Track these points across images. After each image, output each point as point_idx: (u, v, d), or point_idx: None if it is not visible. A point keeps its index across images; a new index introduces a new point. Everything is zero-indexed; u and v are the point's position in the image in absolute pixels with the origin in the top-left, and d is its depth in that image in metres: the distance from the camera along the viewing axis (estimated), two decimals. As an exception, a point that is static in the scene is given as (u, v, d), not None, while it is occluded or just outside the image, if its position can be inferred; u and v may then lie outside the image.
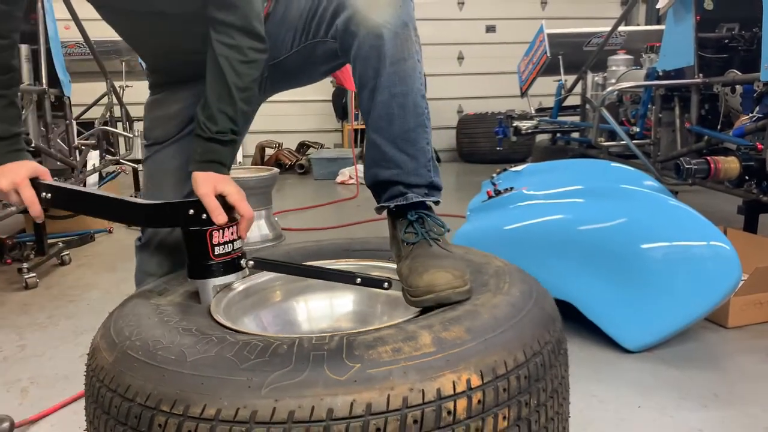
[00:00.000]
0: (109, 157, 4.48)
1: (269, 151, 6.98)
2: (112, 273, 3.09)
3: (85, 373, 0.96)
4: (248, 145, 7.30)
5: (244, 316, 1.15)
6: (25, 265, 2.87)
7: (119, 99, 4.82)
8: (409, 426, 0.73)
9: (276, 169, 3.62)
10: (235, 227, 1.08)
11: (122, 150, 4.93)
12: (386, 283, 1.08)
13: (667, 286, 1.92)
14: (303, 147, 7.16)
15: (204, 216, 1.05)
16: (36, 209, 1.13)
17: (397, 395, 0.73)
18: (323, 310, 1.26)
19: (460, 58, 7.87)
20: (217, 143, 1.15)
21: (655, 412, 1.57)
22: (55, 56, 3.27)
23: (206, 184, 1.09)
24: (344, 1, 1.10)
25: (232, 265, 1.08)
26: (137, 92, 5.02)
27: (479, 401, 0.76)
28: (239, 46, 1.13)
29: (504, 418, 0.78)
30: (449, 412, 0.74)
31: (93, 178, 4.17)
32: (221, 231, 1.06)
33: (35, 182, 1.15)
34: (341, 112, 7.21)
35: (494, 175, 2.92)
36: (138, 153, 5.08)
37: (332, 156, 6.32)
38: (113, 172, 5.24)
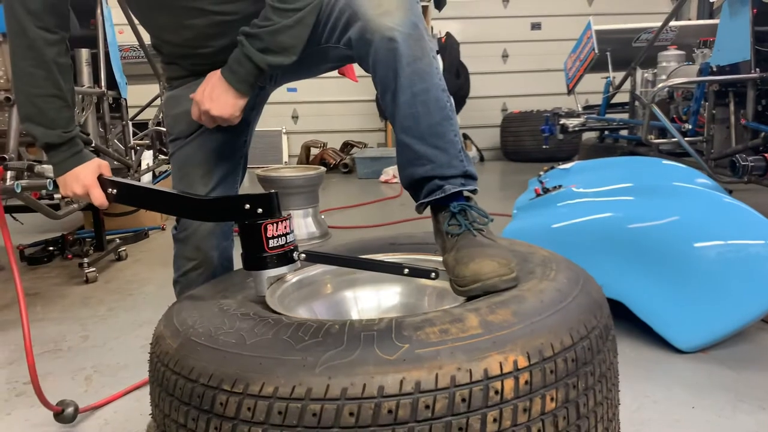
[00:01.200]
0: (162, 156, 4.64)
1: (314, 151, 7.08)
2: (166, 268, 3.18)
3: (149, 360, 1.02)
4: (294, 144, 7.42)
5: (297, 307, 1.19)
6: (85, 260, 3.01)
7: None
8: (458, 404, 0.75)
9: (322, 168, 3.68)
10: (288, 222, 1.11)
11: (174, 150, 5.08)
12: (433, 273, 1.10)
13: (722, 285, 1.87)
14: (347, 146, 7.23)
15: (259, 210, 1.08)
16: (104, 205, 1.24)
17: (445, 374, 0.75)
18: (372, 301, 1.29)
19: (505, 55, 7.81)
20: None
21: (710, 414, 1.54)
22: (113, 60, 3.41)
23: None
24: (356, 11, 1.12)
25: (285, 257, 1.10)
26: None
27: (526, 382, 0.78)
28: None
29: (552, 399, 0.79)
30: (497, 392, 0.76)
31: (147, 177, 4.32)
32: (275, 225, 1.08)
33: (101, 179, 1.23)
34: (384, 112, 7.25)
35: (542, 173, 2.90)
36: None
37: (376, 155, 6.37)
38: (165, 171, 5.42)
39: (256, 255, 1.09)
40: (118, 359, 2.04)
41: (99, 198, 1.22)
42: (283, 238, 1.10)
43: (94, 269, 2.99)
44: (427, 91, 1.11)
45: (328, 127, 7.58)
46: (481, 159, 7.42)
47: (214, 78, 1.19)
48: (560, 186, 2.48)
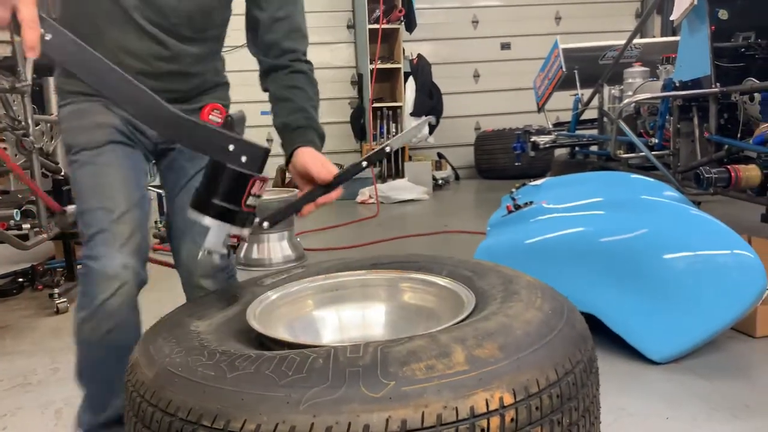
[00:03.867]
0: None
1: (289, 174, 7.05)
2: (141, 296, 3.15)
3: (124, 389, 0.99)
4: (269, 168, 7.38)
5: (278, 326, 1.16)
6: (56, 290, 2.94)
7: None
8: (444, 443, 0.75)
9: (297, 191, 3.67)
10: (264, 184, 1.06)
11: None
12: (387, 147, 1.19)
13: (692, 296, 1.92)
14: (322, 168, 7.23)
15: (243, 158, 0.99)
16: (34, 47, 0.89)
17: (431, 413, 0.75)
18: (356, 318, 1.27)
19: (476, 75, 7.92)
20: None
21: (685, 424, 1.57)
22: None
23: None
24: None
25: (250, 219, 1.05)
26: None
27: (512, 419, 0.78)
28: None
29: (537, 436, 0.80)
30: (483, 430, 0.76)
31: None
32: (262, 183, 1.03)
33: (40, 15, 0.91)
34: (360, 133, 7.28)
35: (514, 189, 2.94)
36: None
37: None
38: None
39: (227, 206, 1.00)
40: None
41: (32, 34, 0.88)
42: (256, 199, 1.04)
43: (65, 300, 2.93)
44: None
45: (302, 148, 7.57)
46: (456, 177, 7.49)
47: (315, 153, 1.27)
48: (531, 202, 2.52)
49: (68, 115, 1.33)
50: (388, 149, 1.19)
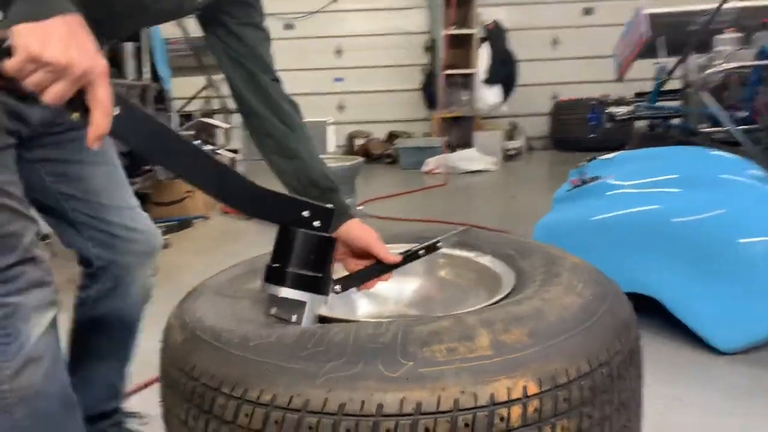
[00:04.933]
0: (207, 147, 4.72)
1: (358, 141, 7.08)
2: (205, 256, 3.27)
3: (161, 350, 1.00)
4: (340, 135, 7.44)
5: None
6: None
7: (218, 92, 5.06)
8: (460, 429, 0.72)
9: (360, 158, 3.68)
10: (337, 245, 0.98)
11: (220, 140, 5.18)
12: (439, 243, 1.10)
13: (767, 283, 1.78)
14: (392, 137, 7.20)
15: (316, 223, 0.91)
16: (105, 124, 0.72)
17: (448, 397, 0.72)
18: (391, 293, 1.24)
19: (555, 42, 7.59)
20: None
21: (748, 420, 1.46)
22: (156, 53, 3.48)
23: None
24: None
25: (331, 285, 0.97)
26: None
27: (536, 409, 0.74)
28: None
29: (563, 429, 0.75)
30: (502, 419, 0.73)
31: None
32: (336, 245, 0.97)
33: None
34: (430, 101, 7.18)
35: (582, 163, 2.81)
36: (235, 143, 5.34)
37: (419, 145, 6.32)
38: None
39: (316, 275, 0.91)
40: (153, 344, 2.08)
41: (104, 121, 0.72)
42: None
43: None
44: None
45: (374, 117, 7.55)
46: (530, 148, 7.26)
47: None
48: (597, 177, 2.39)
49: None
50: (439, 245, 1.12)
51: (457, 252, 1.22)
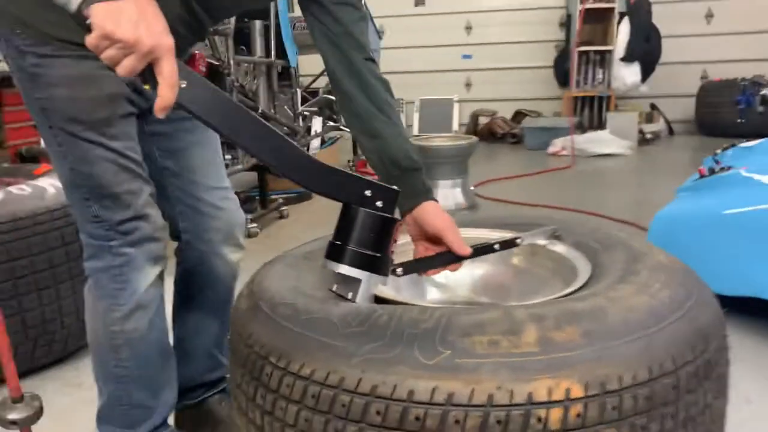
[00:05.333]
0: (330, 123, 4.86)
1: (483, 120, 6.93)
2: (321, 229, 3.38)
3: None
4: (466, 113, 7.34)
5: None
6: (249, 216, 3.28)
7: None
8: (492, 426, 0.68)
9: (474, 138, 3.60)
10: (401, 227, 0.99)
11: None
12: (519, 239, 1.08)
13: None
14: (519, 116, 6.97)
15: (378, 203, 0.92)
16: (170, 96, 0.78)
17: (483, 391, 0.69)
18: (464, 278, 1.21)
19: (709, 15, 6.88)
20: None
21: None
22: (283, 31, 3.61)
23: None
24: None
25: (391, 266, 0.98)
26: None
27: (578, 414, 0.69)
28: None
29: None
30: (539, 419, 0.68)
31: (315, 143, 4.57)
32: (400, 227, 0.96)
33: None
34: (562, 78, 6.84)
35: (718, 151, 2.54)
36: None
37: (546, 125, 6.06)
38: (333, 137, 5.68)
39: (376, 255, 0.91)
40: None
41: (170, 93, 0.78)
42: (394, 244, 0.97)
43: (255, 225, 3.25)
44: None
45: (501, 95, 7.34)
46: (670, 132, 6.70)
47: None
48: (729, 167, 2.15)
49: (68, 79, 1.04)
50: (519, 241, 1.09)
51: (540, 241, 1.15)
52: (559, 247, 1.12)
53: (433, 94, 7.42)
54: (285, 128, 3.73)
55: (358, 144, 1.21)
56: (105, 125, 1.07)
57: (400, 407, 0.71)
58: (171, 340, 1.31)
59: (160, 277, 1.19)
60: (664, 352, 0.74)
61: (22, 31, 1.01)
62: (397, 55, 7.33)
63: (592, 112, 6.39)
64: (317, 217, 3.67)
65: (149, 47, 0.76)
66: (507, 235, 1.12)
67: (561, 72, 6.83)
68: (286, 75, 3.83)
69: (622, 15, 6.17)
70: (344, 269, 0.91)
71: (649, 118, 6.45)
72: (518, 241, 1.08)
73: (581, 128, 6.06)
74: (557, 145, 5.54)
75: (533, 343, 0.73)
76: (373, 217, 0.91)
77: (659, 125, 6.43)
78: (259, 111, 3.31)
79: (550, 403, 0.69)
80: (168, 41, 0.78)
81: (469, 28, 7.42)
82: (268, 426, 0.83)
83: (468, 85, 7.62)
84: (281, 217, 3.65)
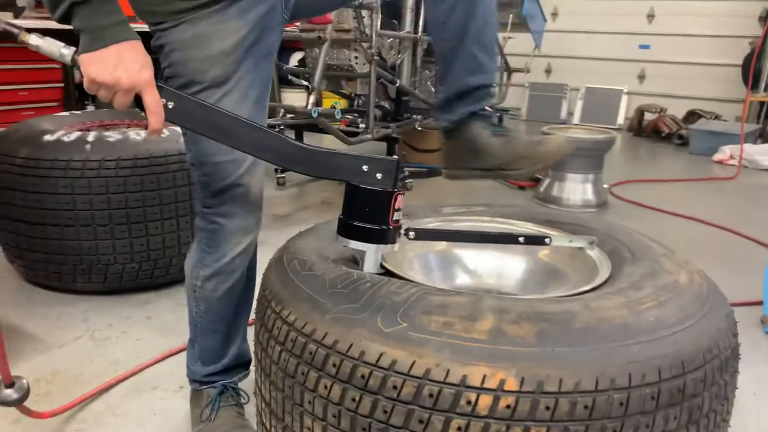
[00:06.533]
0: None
1: (648, 116, 6.45)
2: (439, 201, 3.45)
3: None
4: (631, 106, 6.88)
5: (414, 257, 1.22)
6: (375, 186, 3.43)
7: (500, 49, 5.10)
8: (424, 397, 0.73)
9: (614, 134, 3.41)
10: (403, 196, 1.03)
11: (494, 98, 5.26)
12: (547, 239, 1.13)
13: None
14: (693, 116, 6.37)
15: (378, 175, 0.97)
16: (158, 122, 0.94)
17: (422, 365, 0.74)
18: (490, 266, 1.24)
19: None
20: None
21: None
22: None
23: None
24: None
25: (398, 233, 1.03)
26: (519, 44, 5.24)
27: (508, 406, 0.71)
28: None
29: None
30: (469, 403, 0.72)
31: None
32: (401, 196, 1.02)
33: (158, 85, 0.95)
34: (753, 80, 6.10)
35: None
36: (508, 101, 5.37)
37: (716, 129, 5.48)
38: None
39: (374, 226, 0.98)
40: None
41: (156, 120, 0.93)
42: (400, 213, 1.02)
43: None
44: (492, 2, 1.16)
45: (676, 91, 6.75)
46: None
47: None
48: None
49: (183, 42, 1.07)
50: (547, 241, 1.16)
51: (572, 243, 1.14)
52: (594, 253, 1.10)
53: (600, 83, 7.03)
54: (423, 103, 3.81)
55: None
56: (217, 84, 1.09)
57: (350, 364, 0.78)
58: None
59: (249, 246, 1.22)
60: (618, 370, 0.73)
61: (145, 18, 1.10)
62: (567, 38, 7.04)
63: (770, 118, 5.68)
64: (436, 193, 3.72)
65: (128, 85, 0.91)
66: (550, 232, 1.14)
67: (751, 72, 6.10)
68: (431, 52, 3.89)
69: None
70: (351, 243, 1.00)
71: None
72: (546, 240, 1.08)
73: (762, 137, 5.40)
74: (726, 152, 5.01)
75: (485, 331, 0.76)
76: (369, 192, 0.98)
77: None
78: (397, 84, 3.43)
79: (481, 389, 0.72)
80: (145, 76, 0.92)
81: (651, 17, 6.89)
82: (264, 361, 0.95)
83: (641, 77, 7.11)
84: (405, 189, 3.77)
